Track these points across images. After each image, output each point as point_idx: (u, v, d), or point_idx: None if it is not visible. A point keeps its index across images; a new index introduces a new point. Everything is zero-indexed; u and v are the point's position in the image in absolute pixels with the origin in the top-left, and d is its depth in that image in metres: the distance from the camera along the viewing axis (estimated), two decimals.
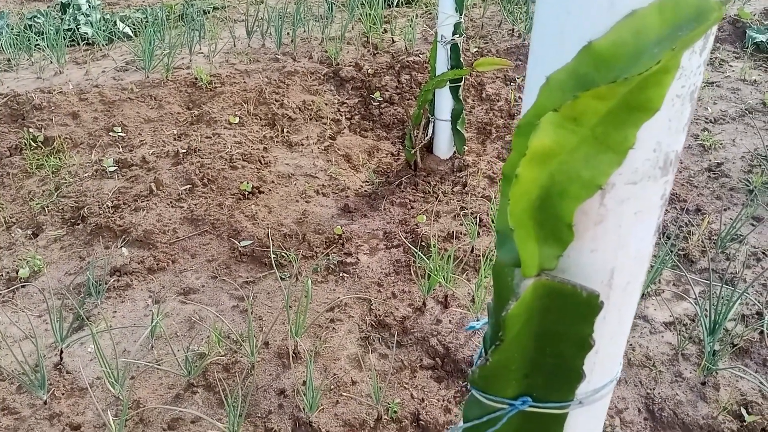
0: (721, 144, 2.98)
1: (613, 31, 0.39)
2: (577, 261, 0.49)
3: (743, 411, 1.74)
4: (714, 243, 2.35)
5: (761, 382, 1.79)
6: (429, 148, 3.09)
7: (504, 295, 0.52)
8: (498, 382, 0.54)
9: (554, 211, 0.44)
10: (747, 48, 3.80)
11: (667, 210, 2.54)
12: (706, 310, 1.91)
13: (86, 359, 1.99)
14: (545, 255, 0.46)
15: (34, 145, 2.99)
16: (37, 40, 3.76)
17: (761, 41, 3.77)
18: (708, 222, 2.44)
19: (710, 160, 2.87)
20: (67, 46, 3.87)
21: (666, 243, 2.27)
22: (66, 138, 3.04)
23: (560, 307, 0.48)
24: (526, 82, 0.49)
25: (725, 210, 2.55)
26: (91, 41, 3.94)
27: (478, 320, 0.63)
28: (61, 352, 1.97)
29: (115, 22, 4.06)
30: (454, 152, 3.04)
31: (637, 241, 0.49)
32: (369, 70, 3.67)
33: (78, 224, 2.56)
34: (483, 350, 0.61)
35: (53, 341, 2.02)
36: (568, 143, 0.42)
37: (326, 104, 3.47)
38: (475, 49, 3.95)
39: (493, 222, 2.51)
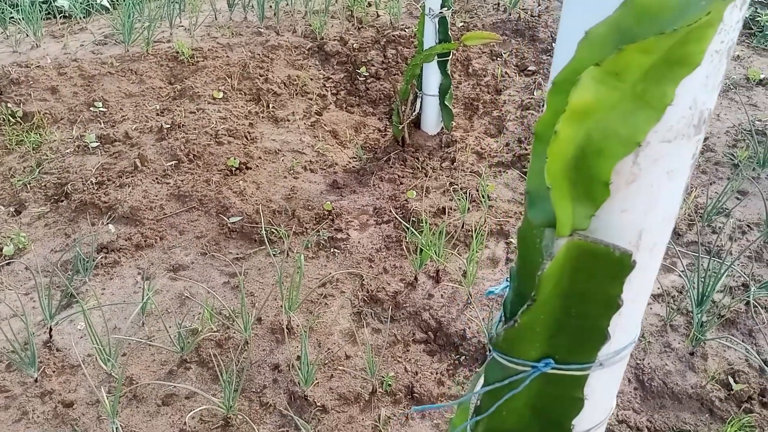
0: None
1: None
2: (606, 222, 0.49)
3: (731, 380, 1.78)
4: (700, 217, 2.38)
5: (747, 350, 1.83)
6: (417, 123, 3.08)
7: (530, 257, 0.52)
8: (522, 345, 0.54)
9: (590, 170, 0.44)
10: None
11: None
12: (693, 282, 1.94)
13: (76, 336, 1.96)
14: (579, 214, 0.46)
15: (13, 120, 2.92)
16: (11, 12, 3.64)
17: (744, 17, 3.79)
18: (694, 196, 2.47)
19: None
20: (44, 19, 3.75)
21: None
22: (46, 113, 2.97)
23: (591, 267, 0.47)
24: (558, 39, 0.48)
25: (711, 184, 2.59)
26: (68, 14, 3.83)
27: (498, 285, 0.63)
28: (50, 329, 1.95)
29: None
30: (442, 128, 3.03)
31: (666, 201, 0.49)
32: (354, 45, 3.62)
33: (62, 201, 2.51)
34: (503, 315, 0.61)
35: (41, 319, 1.99)
36: (608, 99, 0.41)
37: (311, 79, 3.42)
38: (461, 24, 3.93)
39: (483, 198, 2.52)
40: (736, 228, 2.34)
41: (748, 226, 2.35)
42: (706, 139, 2.85)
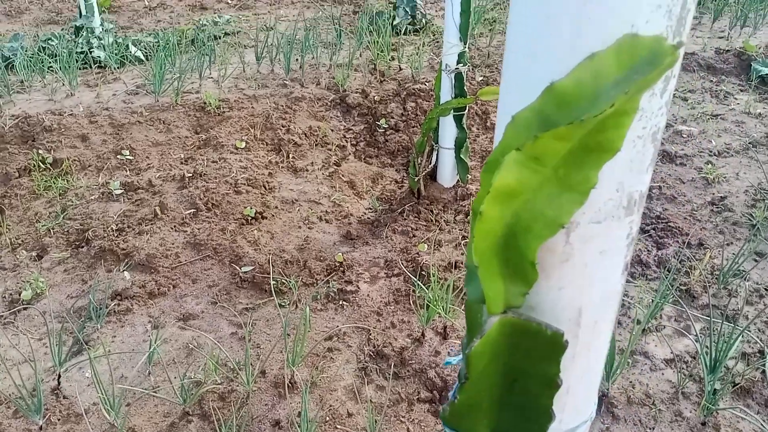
0: (724, 177, 2.97)
1: (574, 73, 0.40)
2: (545, 298, 0.49)
3: None
4: (716, 278, 2.33)
5: (762, 423, 1.76)
6: (433, 176, 3.11)
7: (474, 331, 0.52)
8: (469, 420, 0.53)
9: (519, 249, 0.44)
10: (752, 81, 3.81)
11: (668, 244, 2.53)
12: (706, 347, 1.89)
13: (84, 384, 1.99)
14: (511, 292, 0.46)
15: (43, 166, 3.04)
16: (50, 62, 3.83)
17: (766, 74, 3.78)
18: (710, 257, 2.42)
19: (713, 194, 2.86)
20: (80, 69, 3.94)
21: (667, 277, 2.25)
22: (74, 160, 3.08)
23: (526, 344, 0.47)
24: (497, 121, 0.50)
25: (728, 245, 2.53)
26: (103, 64, 4.01)
27: (456, 354, 0.63)
28: (59, 376, 1.97)
29: (127, 45, 4.13)
30: (458, 180, 3.05)
31: (603, 279, 0.49)
32: (375, 97, 3.70)
33: (82, 247, 2.57)
34: (458, 386, 0.61)
35: (52, 365, 2.03)
36: (531, 182, 0.42)
37: (332, 130, 3.50)
38: (481, 78, 3.99)
39: None
40: (753, 291, 2.27)
41: (766, 289, 2.29)
42: (723, 198, 2.81)
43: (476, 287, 0.46)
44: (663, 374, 2.00)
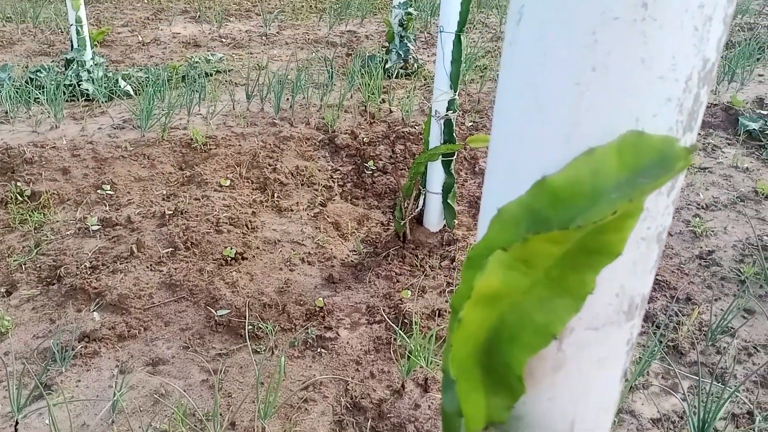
0: (712, 231, 2.96)
1: (570, 168, 0.35)
2: (534, 408, 0.44)
3: None
4: (704, 335, 2.28)
5: None
6: (419, 220, 3.06)
7: None
8: None
9: (504, 359, 0.39)
10: (739, 135, 3.84)
11: (656, 298, 2.48)
12: (694, 407, 1.82)
13: (43, 431, 1.88)
14: (494, 406, 0.41)
15: (20, 199, 2.96)
16: (37, 94, 3.78)
17: (753, 129, 3.81)
18: (698, 312, 2.38)
19: (701, 248, 2.84)
20: (67, 102, 3.89)
21: (655, 333, 2.20)
22: (53, 193, 3.00)
23: None
24: (481, 211, 0.45)
25: (716, 300, 2.50)
26: (91, 98, 3.97)
27: None
28: (17, 423, 1.87)
29: (117, 80, 4.10)
30: (444, 225, 3.01)
31: (600, 389, 0.44)
32: (364, 139, 3.68)
33: (53, 284, 2.48)
34: None
35: (10, 410, 1.92)
36: (519, 285, 0.37)
37: (319, 170, 3.46)
38: (470, 123, 3.99)
39: None
40: (742, 349, 2.22)
41: (755, 347, 2.24)
42: (711, 252, 2.79)
43: (454, 399, 0.40)
44: None
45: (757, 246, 2.78)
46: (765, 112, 4.05)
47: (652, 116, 0.35)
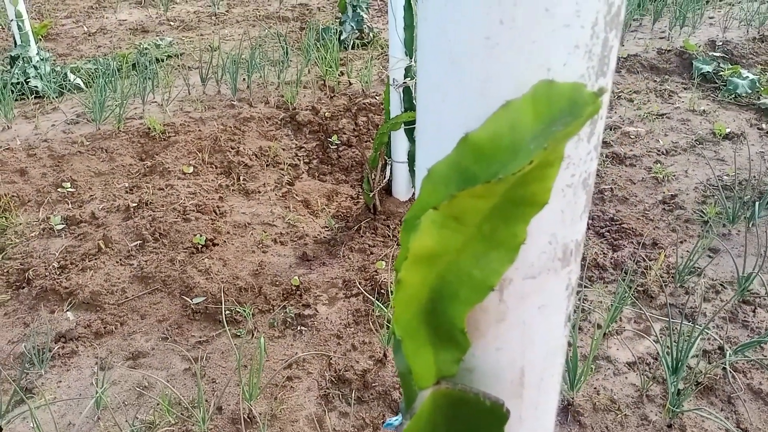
0: (674, 176, 3.02)
1: (489, 123, 0.36)
2: (483, 360, 0.45)
3: None
4: (672, 277, 2.34)
5: (725, 421, 1.76)
6: (388, 190, 3.07)
7: (410, 398, 0.47)
8: None
9: (446, 315, 0.40)
10: (694, 79, 3.90)
11: (623, 245, 2.54)
12: (667, 347, 1.89)
13: None
14: (443, 361, 0.42)
15: None
16: None
17: (708, 71, 3.87)
18: (665, 256, 2.44)
19: (664, 193, 2.90)
20: (16, 100, 3.78)
21: (623, 280, 2.26)
22: (13, 196, 2.93)
23: (465, 415, 0.43)
24: (417, 172, 0.45)
25: (681, 243, 2.56)
26: (41, 94, 3.86)
27: (397, 415, 0.58)
28: (1, 429, 1.85)
29: (65, 74, 3.99)
30: (413, 193, 3.02)
31: (544, 336, 0.45)
32: (326, 114, 3.65)
33: (23, 288, 2.44)
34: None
35: None
36: (453, 243, 0.38)
37: (284, 149, 3.43)
38: None
39: None
40: (710, 288, 2.30)
41: (722, 285, 2.31)
42: (675, 196, 2.85)
43: (403, 358, 0.41)
44: (626, 378, 2.00)
45: (717, 186, 2.85)
46: (717, 54, 4.11)
47: (562, 65, 0.36)
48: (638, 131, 3.39)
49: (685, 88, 3.88)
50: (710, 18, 5.03)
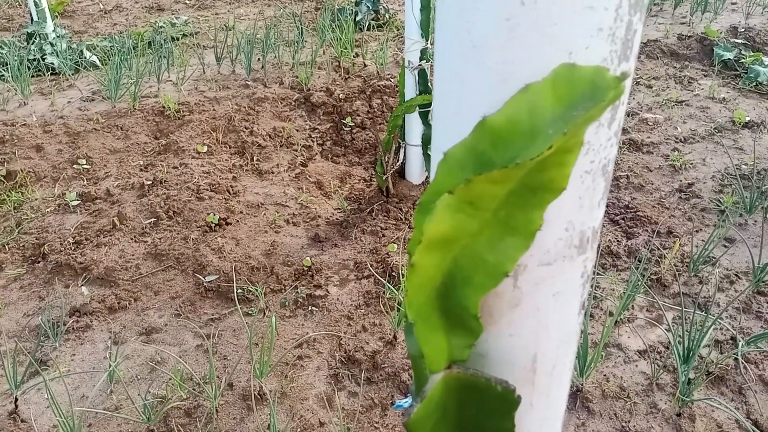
0: (691, 164, 2.98)
1: (508, 107, 0.35)
2: (495, 345, 0.45)
3: None
4: (686, 266, 2.33)
5: (736, 411, 1.76)
6: (401, 173, 3.06)
7: (421, 381, 0.47)
8: None
9: (459, 300, 0.40)
10: (715, 65, 3.83)
11: (638, 233, 2.52)
12: (679, 336, 1.88)
13: (43, 406, 1.90)
14: (455, 345, 0.42)
15: None
16: (1, 71, 3.69)
17: (729, 59, 3.80)
18: (680, 245, 2.42)
19: (681, 181, 2.86)
20: (33, 77, 3.80)
21: (637, 268, 2.24)
22: (29, 172, 2.96)
23: (476, 400, 0.43)
24: (432, 156, 0.45)
25: (697, 231, 2.54)
26: (57, 71, 3.87)
27: (407, 397, 0.58)
28: (16, 399, 1.89)
29: (81, 51, 4.00)
30: (427, 177, 3.01)
31: (558, 323, 0.45)
32: (340, 95, 3.64)
33: (39, 262, 2.47)
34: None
35: (8, 388, 1.94)
36: (468, 227, 0.38)
37: (297, 130, 3.42)
38: None
39: None
40: (724, 278, 2.27)
41: (737, 275, 2.29)
42: (691, 184, 2.82)
43: (415, 342, 0.41)
44: (637, 366, 1.99)
45: (735, 175, 2.81)
46: (739, 41, 4.04)
47: (584, 48, 0.35)
48: (656, 118, 3.34)
49: (705, 75, 3.82)
50: (733, 4, 4.93)
